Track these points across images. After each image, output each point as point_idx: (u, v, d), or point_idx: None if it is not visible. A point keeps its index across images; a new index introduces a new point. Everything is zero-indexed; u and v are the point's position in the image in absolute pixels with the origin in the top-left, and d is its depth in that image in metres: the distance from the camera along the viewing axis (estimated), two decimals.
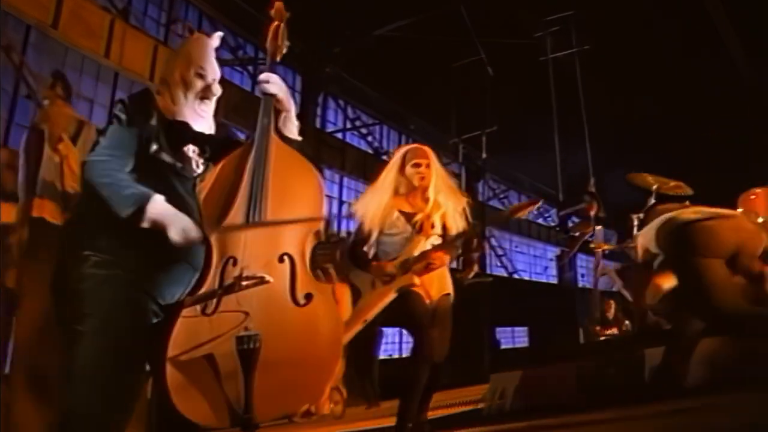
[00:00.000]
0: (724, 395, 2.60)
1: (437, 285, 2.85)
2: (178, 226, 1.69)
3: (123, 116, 1.82)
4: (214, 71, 1.96)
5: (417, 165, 2.91)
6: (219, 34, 2.07)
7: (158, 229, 1.68)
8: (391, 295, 2.73)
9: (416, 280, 2.73)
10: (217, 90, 1.96)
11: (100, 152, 1.76)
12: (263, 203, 1.82)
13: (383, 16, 10.37)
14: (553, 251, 17.13)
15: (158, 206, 1.69)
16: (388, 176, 2.94)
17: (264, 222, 1.79)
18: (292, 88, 11.71)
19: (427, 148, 3.01)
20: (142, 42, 8.21)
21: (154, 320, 1.78)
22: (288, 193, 1.89)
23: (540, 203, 2.95)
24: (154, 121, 1.82)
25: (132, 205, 1.68)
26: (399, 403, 2.77)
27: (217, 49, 2.07)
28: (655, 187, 4.17)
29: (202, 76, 1.92)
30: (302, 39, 10.23)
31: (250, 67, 10.45)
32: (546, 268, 17.30)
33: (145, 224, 1.68)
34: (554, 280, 16.80)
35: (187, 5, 9.62)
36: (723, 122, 10.01)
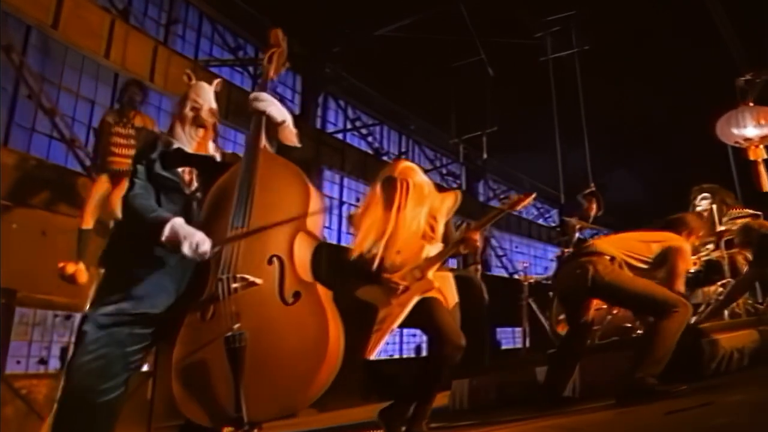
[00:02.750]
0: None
1: (450, 294, 2.93)
2: (190, 241, 1.94)
3: (137, 157, 2.25)
4: (209, 104, 2.31)
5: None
6: (218, 81, 2.43)
7: (173, 246, 1.96)
8: (414, 301, 2.80)
9: (435, 283, 2.81)
10: (208, 117, 2.30)
11: (134, 188, 2.15)
12: (249, 210, 1.94)
13: (383, 16, 10.37)
14: (553, 251, 17.13)
15: (174, 226, 1.97)
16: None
17: (244, 233, 1.92)
18: (291, 89, 11.73)
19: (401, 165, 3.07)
20: (143, 42, 8.22)
21: (140, 330, 1.99)
22: (273, 199, 1.98)
23: (534, 195, 3.07)
24: (155, 155, 2.19)
25: (155, 224, 1.99)
26: (416, 403, 2.78)
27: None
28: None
29: (196, 109, 2.28)
30: (302, 39, 10.24)
31: (250, 68, 10.45)
32: (546, 268, 17.30)
33: (163, 240, 1.96)
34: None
35: (187, 5, 9.62)
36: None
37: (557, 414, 3.08)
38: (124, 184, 4.68)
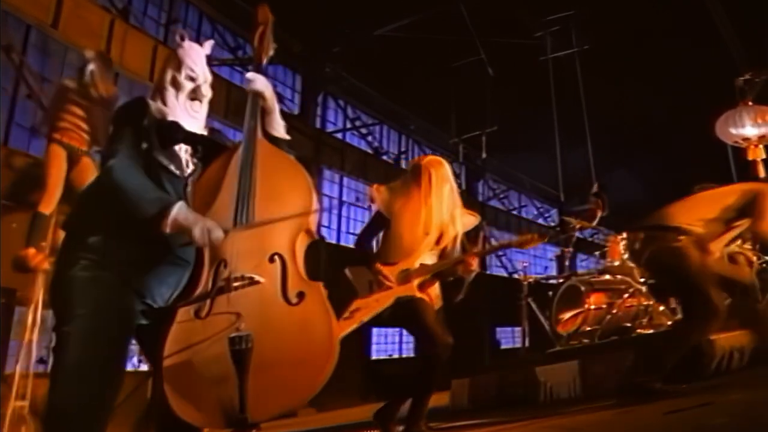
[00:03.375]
0: None
1: (435, 295, 2.94)
2: (202, 226, 1.75)
3: (120, 120, 1.95)
4: (204, 74, 2.07)
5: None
6: (210, 42, 2.20)
7: (182, 232, 1.75)
8: (389, 302, 2.81)
9: (417, 292, 2.81)
10: (207, 91, 2.07)
11: (122, 157, 1.83)
12: (251, 204, 1.85)
13: (383, 16, 10.36)
14: (552, 251, 17.11)
15: (183, 211, 1.76)
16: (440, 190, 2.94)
17: (251, 224, 1.81)
18: (291, 88, 11.72)
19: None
20: (142, 42, 8.21)
21: (143, 320, 1.84)
22: (276, 193, 1.90)
23: (546, 238, 3.08)
24: (146, 122, 1.89)
25: (157, 208, 1.75)
26: (411, 403, 2.79)
27: (210, 56, 2.17)
28: (578, 226, 5.71)
29: (192, 79, 2.03)
30: (302, 38, 10.24)
31: (249, 67, 10.43)
32: (546, 268, 17.29)
33: (168, 228, 1.74)
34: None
35: (187, 5, 9.62)
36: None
37: (557, 414, 3.08)
38: (84, 164, 4.41)
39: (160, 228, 1.74)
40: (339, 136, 12.63)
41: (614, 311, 4.63)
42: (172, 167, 1.93)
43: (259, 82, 2.03)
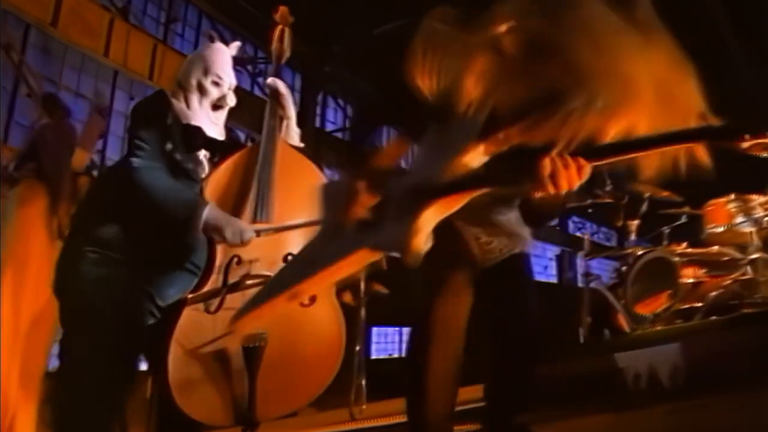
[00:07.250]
0: None
1: None
2: (234, 228, 1.74)
3: (143, 116, 1.88)
4: (230, 80, 2.01)
5: None
6: (237, 44, 2.12)
7: (213, 233, 1.74)
8: None
9: None
10: (232, 100, 2.01)
11: (147, 157, 1.80)
12: (269, 203, 1.86)
13: (383, 15, 10.35)
14: (552, 250, 17.11)
15: (213, 212, 1.74)
16: None
17: (276, 227, 1.82)
18: (291, 87, 11.68)
19: None
20: (142, 41, 8.21)
21: (151, 320, 1.76)
22: (294, 194, 1.92)
23: None
24: (169, 121, 1.85)
25: (188, 210, 1.73)
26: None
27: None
28: (647, 194, 4.28)
29: (218, 85, 1.96)
30: (301, 38, 10.23)
31: (249, 67, 10.43)
32: (546, 267, 17.30)
33: (199, 228, 1.72)
34: (554, 280, 16.78)
35: (186, 4, 9.61)
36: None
37: (556, 418, 3.06)
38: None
39: (189, 230, 1.72)
40: (339, 135, 12.62)
41: (716, 287, 4.00)
42: (195, 173, 1.89)
43: (280, 83, 2.05)
